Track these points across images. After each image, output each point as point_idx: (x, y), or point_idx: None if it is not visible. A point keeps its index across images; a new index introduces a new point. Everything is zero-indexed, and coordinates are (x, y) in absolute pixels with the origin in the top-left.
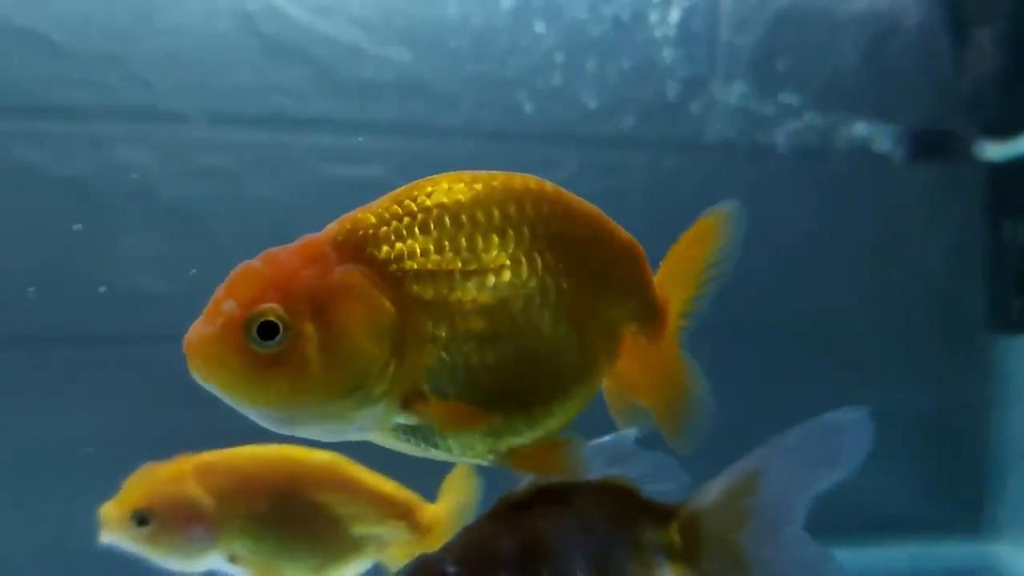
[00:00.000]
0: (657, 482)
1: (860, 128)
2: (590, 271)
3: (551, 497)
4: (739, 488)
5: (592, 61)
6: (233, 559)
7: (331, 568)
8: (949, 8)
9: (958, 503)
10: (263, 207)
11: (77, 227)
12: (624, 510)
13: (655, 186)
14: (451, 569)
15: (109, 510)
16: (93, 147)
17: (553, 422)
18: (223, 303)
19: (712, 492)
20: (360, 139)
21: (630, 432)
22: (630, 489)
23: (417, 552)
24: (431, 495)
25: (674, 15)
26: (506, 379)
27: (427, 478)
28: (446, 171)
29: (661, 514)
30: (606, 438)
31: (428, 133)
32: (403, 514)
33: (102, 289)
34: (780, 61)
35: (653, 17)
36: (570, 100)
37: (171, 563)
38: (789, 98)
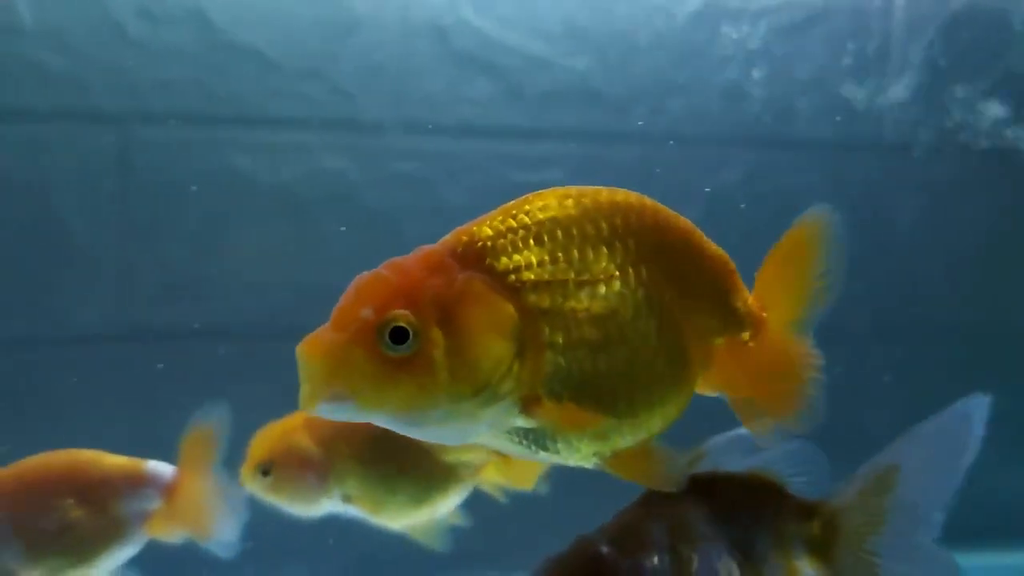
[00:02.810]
0: (801, 472)
1: None
2: (684, 283)
3: (698, 487)
4: (876, 485)
5: (765, 64)
6: (346, 499)
7: (432, 496)
8: None
9: None
10: (451, 211)
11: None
12: (768, 503)
13: (828, 187)
14: (605, 548)
15: (244, 467)
16: (299, 155)
17: (655, 425)
18: (353, 310)
19: (851, 490)
20: (540, 147)
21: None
22: (776, 483)
23: (509, 472)
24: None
25: (848, 16)
26: (613, 385)
27: None
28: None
29: (804, 509)
30: (745, 429)
31: (604, 138)
32: None
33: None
34: (954, 61)
35: (827, 19)
36: (742, 103)
37: (294, 508)
38: (963, 99)
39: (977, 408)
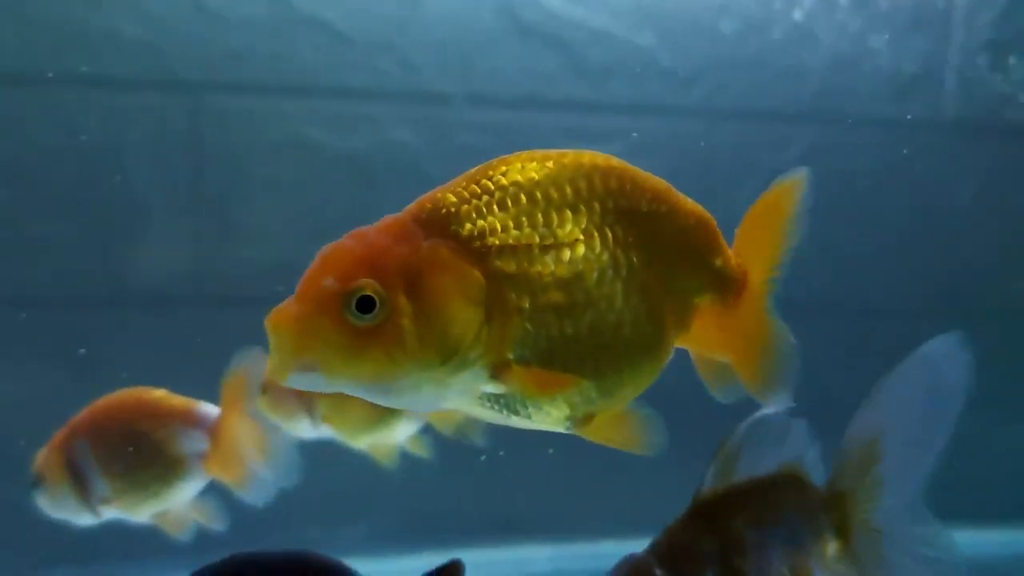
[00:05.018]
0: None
1: None
2: (658, 244)
3: (742, 491)
4: (866, 456)
5: (827, 40)
6: (323, 418)
7: (386, 418)
8: None
9: None
10: None
11: None
12: (802, 496)
13: (889, 165)
14: (659, 571)
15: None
16: (367, 126)
17: (625, 391)
18: (318, 280)
19: (848, 468)
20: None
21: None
22: (800, 475)
23: None
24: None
25: None
26: (581, 349)
27: None
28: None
29: (819, 496)
30: (770, 410)
31: (664, 113)
32: None
33: None
34: (1016, 38)
35: None
36: (802, 79)
37: (288, 428)
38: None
39: (946, 349)
